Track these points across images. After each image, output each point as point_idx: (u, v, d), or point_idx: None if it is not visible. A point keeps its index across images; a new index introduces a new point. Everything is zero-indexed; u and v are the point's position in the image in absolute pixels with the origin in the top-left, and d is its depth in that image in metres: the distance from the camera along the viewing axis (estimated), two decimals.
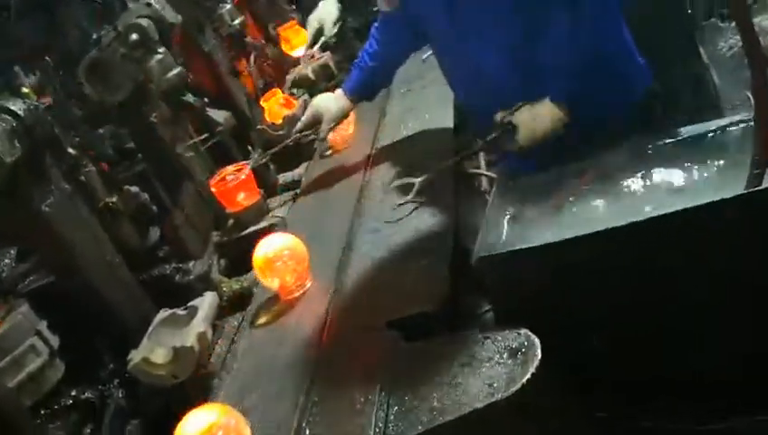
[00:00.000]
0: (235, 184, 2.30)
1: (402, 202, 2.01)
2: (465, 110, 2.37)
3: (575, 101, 1.92)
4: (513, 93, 1.97)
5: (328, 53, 3.35)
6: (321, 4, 2.39)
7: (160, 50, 2.11)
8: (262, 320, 1.89)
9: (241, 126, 2.85)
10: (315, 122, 2.46)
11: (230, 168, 2.37)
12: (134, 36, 2.07)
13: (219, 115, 2.44)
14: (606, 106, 1.96)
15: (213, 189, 2.31)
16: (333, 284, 1.84)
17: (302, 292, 1.89)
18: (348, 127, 2.68)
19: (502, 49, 1.99)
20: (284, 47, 3.44)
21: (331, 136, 2.57)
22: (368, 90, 2.47)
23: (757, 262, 1.34)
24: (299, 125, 2.51)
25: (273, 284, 1.90)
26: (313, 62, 3.30)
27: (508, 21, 1.94)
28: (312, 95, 3.14)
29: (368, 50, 2.41)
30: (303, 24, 3.45)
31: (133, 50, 2.10)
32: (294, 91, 3.15)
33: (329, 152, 2.71)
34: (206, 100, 2.42)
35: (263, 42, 3.42)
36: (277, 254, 1.88)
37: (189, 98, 2.18)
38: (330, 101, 2.45)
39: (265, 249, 1.90)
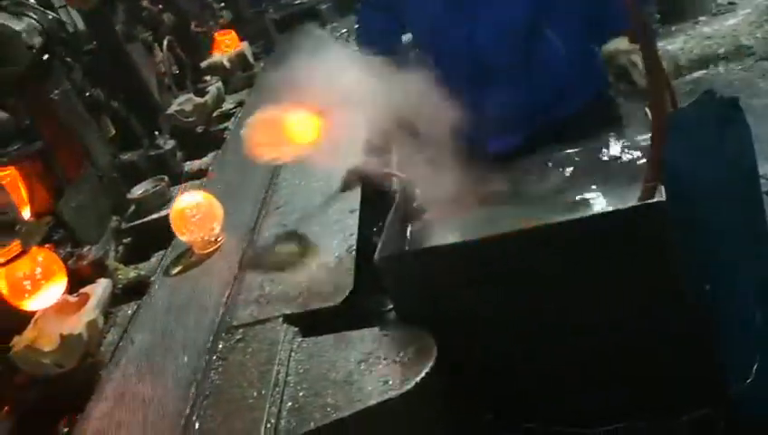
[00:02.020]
0: None
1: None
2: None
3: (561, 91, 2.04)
4: (506, 79, 2.03)
5: (245, 42, 3.31)
6: None
7: None
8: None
9: (149, 110, 2.77)
10: None
11: None
12: None
13: None
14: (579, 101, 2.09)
15: None
16: (233, 276, 1.80)
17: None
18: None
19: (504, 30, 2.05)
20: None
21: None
22: None
23: (648, 270, 1.39)
24: None
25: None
26: (230, 52, 3.25)
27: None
28: (225, 83, 3.09)
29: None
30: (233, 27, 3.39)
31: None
32: (207, 78, 3.08)
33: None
34: None
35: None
36: None
37: None
38: None
39: None
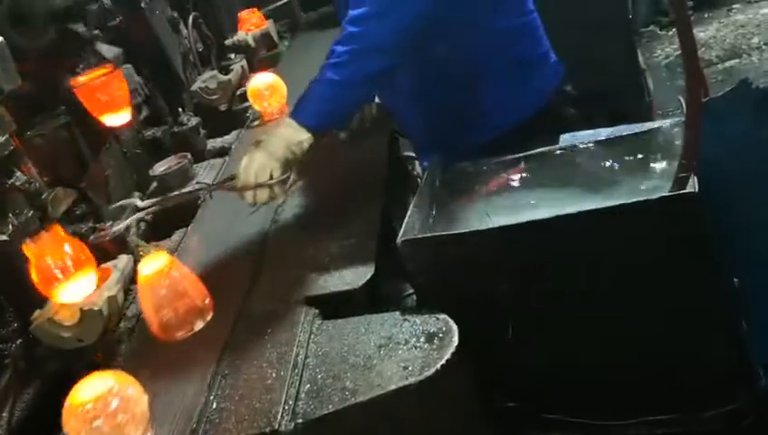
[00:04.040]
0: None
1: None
2: None
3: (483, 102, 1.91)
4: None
5: (270, 20, 3.28)
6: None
7: None
8: None
9: (174, 86, 2.76)
10: None
11: None
12: None
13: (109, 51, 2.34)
14: (509, 110, 1.92)
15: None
16: (256, 256, 1.80)
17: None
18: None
19: None
20: None
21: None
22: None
23: (676, 261, 1.36)
24: None
25: None
26: (255, 31, 3.23)
27: None
28: (249, 62, 3.07)
29: None
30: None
31: None
32: (232, 56, 3.06)
33: (256, 123, 2.57)
34: None
35: None
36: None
37: None
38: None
39: None
